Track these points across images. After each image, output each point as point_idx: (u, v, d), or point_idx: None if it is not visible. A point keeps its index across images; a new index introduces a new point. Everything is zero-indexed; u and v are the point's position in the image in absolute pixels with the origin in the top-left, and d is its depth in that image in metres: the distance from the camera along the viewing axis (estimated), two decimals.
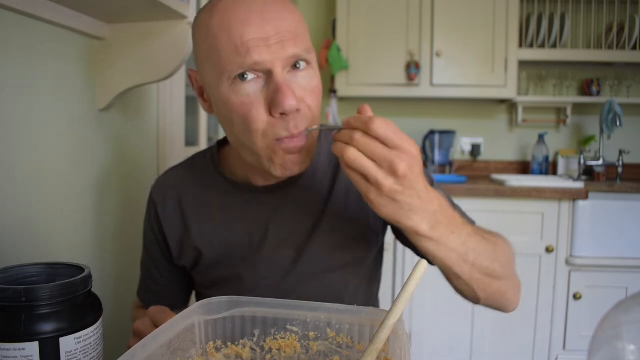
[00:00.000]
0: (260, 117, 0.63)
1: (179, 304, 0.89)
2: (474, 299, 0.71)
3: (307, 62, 0.65)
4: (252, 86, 0.63)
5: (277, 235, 0.77)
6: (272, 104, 0.62)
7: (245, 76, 0.62)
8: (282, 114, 0.62)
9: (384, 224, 0.81)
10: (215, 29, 0.62)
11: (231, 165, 0.80)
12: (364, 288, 0.83)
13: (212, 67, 0.64)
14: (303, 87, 0.65)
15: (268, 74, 0.62)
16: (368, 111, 0.58)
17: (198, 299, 0.90)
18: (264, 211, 0.77)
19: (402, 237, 0.80)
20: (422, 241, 0.60)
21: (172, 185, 0.83)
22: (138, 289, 0.91)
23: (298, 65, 0.64)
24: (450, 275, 0.66)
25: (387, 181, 0.54)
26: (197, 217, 0.80)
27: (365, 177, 0.55)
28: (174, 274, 0.86)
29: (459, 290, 0.71)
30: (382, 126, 0.53)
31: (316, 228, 0.77)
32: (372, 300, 0.86)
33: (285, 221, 0.77)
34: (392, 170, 0.53)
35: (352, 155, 0.54)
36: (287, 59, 0.62)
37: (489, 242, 0.69)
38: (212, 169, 0.81)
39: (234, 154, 0.79)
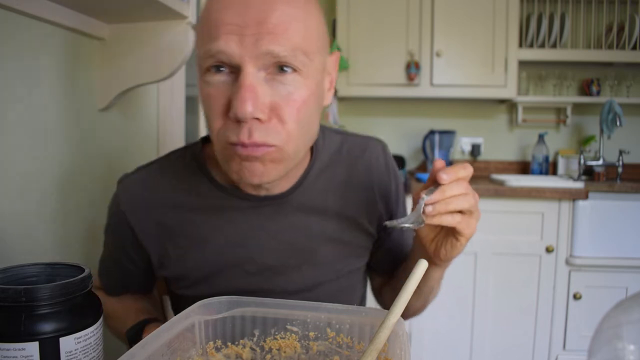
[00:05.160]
0: (218, 115, 0.58)
1: (139, 292, 0.82)
2: (410, 315, 0.83)
3: (294, 69, 0.56)
4: (220, 79, 0.57)
5: (280, 243, 0.71)
6: (230, 105, 0.55)
7: (222, 69, 0.56)
8: (236, 119, 0.55)
9: (377, 232, 0.79)
10: (205, 12, 0.58)
11: (217, 166, 0.68)
12: (360, 293, 0.84)
13: (197, 48, 0.60)
14: (281, 95, 0.56)
15: (238, 70, 0.55)
16: (442, 163, 0.61)
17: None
18: (264, 216, 0.70)
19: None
20: (444, 264, 0.69)
21: (144, 188, 0.71)
22: (99, 267, 0.81)
23: (285, 69, 0.56)
24: (417, 294, 0.67)
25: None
26: (184, 224, 0.70)
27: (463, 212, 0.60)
28: (138, 274, 0.77)
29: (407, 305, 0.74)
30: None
31: (322, 236, 0.72)
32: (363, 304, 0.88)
33: (289, 227, 0.71)
34: (475, 197, 0.61)
35: (473, 201, 0.60)
36: (260, 57, 0.54)
37: None
38: (196, 170, 0.71)
39: None
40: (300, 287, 0.74)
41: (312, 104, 0.60)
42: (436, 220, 0.58)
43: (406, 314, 0.79)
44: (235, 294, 0.71)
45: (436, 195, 0.57)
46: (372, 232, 0.78)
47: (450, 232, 0.63)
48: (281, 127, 0.57)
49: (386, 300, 0.87)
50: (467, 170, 0.59)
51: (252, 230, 0.70)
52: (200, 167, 0.71)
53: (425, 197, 0.58)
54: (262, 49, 0.53)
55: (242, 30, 0.54)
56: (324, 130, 0.77)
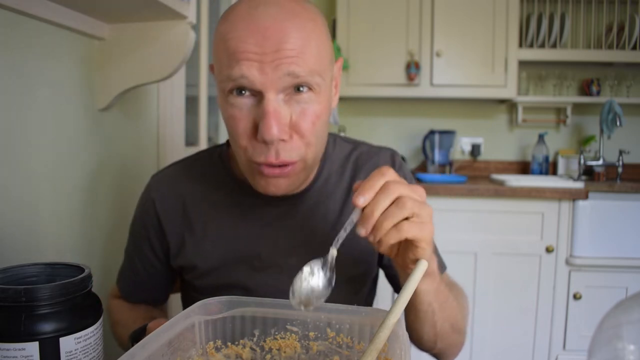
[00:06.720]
0: (244, 136, 0.63)
1: (155, 300, 0.87)
2: (429, 347, 0.73)
3: (310, 88, 0.62)
4: (245, 102, 0.62)
5: (288, 242, 0.74)
6: (257, 128, 0.61)
7: (244, 92, 0.61)
8: (264, 142, 0.61)
9: None
10: (220, 35, 0.62)
11: (239, 166, 0.75)
12: (362, 304, 0.81)
13: (217, 71, 0.65)
14: (298, 113, 0.62)
15: (260, 95, 0.61)
16: (356, 184, 0.56)
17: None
18: (275, 215, 0.74)
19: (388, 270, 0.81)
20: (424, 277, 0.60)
21: (174, 182, 0.79)
22: (118, 275, 0.87)
23: (301, 89, 0.61)
24: (421, 319, 0.66)
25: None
26: (203, 217, 0.76)
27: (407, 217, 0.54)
28: (157, 271, 0.82)
29: (418, 336, 0.71)
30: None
31: (325, 239, 0.71)
32: None
33: (296, 227, 0.74)
34: (417, 191, 0.55)
35: (410, 203, 0.53)
36: (281, 80, 0.59)
37: (455, 293, 0.72)
38: (221, 168, 0.78)
39: None
40: None
41: (325, 115, 0.65)
42: (385, 244, 0.53)
43: (429, 346, 0.73)
44: (240, 287, 0.75)
45: (367, 221, 0.52)
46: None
47: (408, 241, 0.56)
48: (301, 142, 0.63)
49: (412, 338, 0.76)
50: (386, 174, 0.53)
51: (263, 228, 0.74)
52: (224, 165, 0.78)
53: (343, 234, 0.54)
54: (283, 71, 0.58)
55: (261, 57, 0.58)
56: (335, 137, 0.81)
